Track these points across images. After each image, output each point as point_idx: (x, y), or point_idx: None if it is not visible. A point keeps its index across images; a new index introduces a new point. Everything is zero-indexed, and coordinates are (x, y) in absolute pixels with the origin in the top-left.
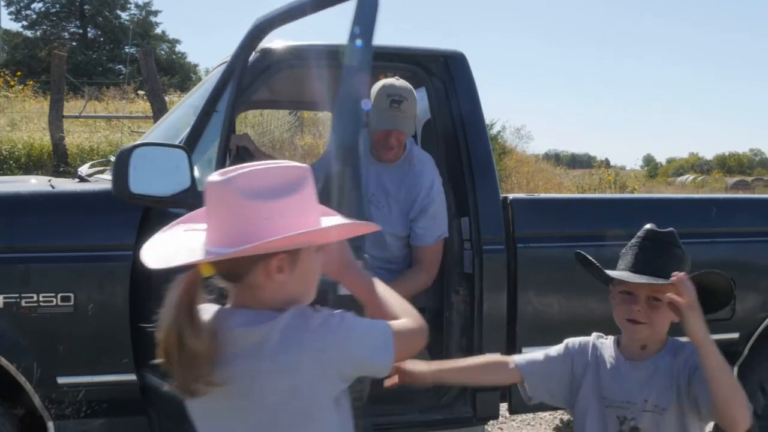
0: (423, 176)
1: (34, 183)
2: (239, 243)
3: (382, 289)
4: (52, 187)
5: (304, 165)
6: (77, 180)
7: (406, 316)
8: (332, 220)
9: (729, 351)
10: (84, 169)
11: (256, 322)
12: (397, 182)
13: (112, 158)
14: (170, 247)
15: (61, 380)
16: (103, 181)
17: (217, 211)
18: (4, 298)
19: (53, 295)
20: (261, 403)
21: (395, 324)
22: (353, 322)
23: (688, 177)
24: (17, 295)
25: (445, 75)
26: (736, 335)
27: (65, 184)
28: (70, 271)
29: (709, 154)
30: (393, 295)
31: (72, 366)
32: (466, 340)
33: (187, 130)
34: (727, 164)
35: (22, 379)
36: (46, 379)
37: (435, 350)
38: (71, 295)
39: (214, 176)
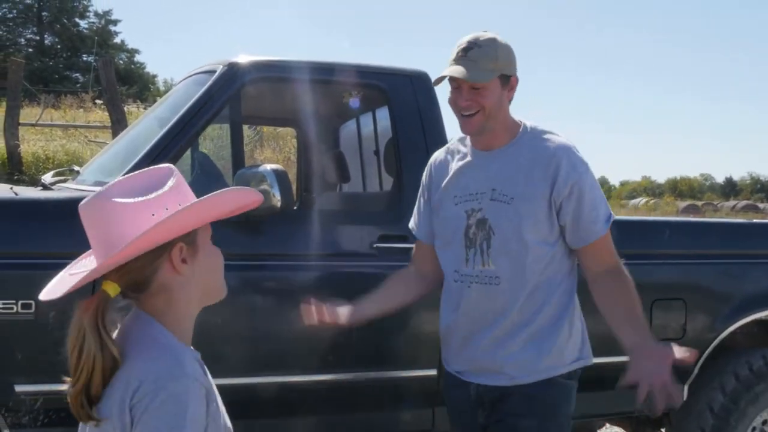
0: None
1: None
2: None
3: None
4: (15, 194)
5: (166, 164)
6: (40, 188)
7: None
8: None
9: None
10: (47, 178)
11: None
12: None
13: (76, 168)
14: (58, 279)
15: (19, 388)
16: (67, 190)
17: (97, 228)
18: None
19: (14, 302)
20: None
21: None
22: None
23: (641, 200)
24: None
25: (409, 94)
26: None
27: (29, 192)
28: (31, 278)
29: (661, 177)
30: None
31: (31, 374)
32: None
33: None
34: (679, 188)
35: None
36: (3, 387)
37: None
38: (32, 302)
39: (84, 199)
